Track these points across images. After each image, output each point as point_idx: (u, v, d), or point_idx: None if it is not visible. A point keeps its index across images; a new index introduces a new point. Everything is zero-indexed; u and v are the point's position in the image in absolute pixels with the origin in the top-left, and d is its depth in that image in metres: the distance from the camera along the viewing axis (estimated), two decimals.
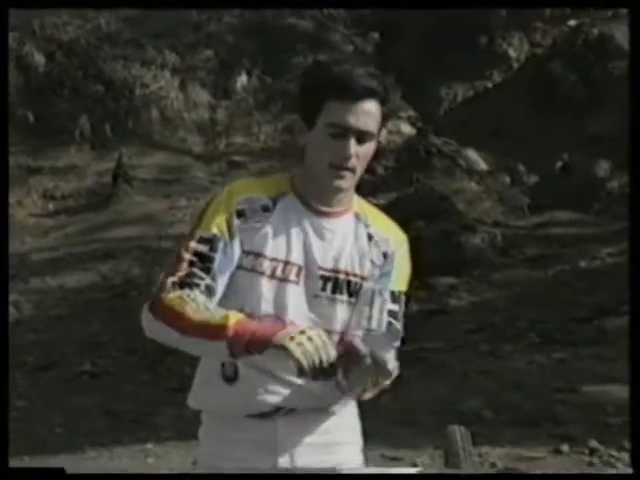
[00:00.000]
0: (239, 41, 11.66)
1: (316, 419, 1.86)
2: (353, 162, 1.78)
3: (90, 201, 10.28)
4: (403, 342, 1.90)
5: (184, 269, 1.76)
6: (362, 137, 1.78)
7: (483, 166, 10.11)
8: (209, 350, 1.74)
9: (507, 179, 10.00)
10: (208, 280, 1.76)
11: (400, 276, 1.89)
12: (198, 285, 1.75)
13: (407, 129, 11.06)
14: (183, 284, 1.75)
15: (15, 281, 8.57)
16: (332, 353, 1.68)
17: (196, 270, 1.76)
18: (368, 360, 1.68)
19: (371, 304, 1.85)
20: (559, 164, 9.80)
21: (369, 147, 1.80)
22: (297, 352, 1.66)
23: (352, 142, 1.77)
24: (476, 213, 9.23)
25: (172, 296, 1.74)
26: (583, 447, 4.65)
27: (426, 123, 10.77)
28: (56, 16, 11.85)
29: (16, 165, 10.64)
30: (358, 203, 1.89)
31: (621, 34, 9.55)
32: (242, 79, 11.39)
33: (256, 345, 1.70)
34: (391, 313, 1.86)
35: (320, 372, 1.67)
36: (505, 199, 9.72)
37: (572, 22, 11.02)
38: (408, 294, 1.90)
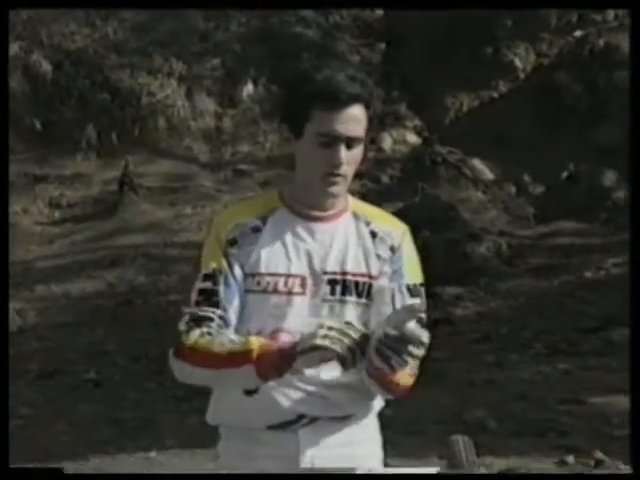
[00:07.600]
0: (245, 50, 11.69)
1: (338, 430, 1.84)
2: (345, 168, 1.82)
3: (96, 209, 10.29)
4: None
5: (195, 308, 1.83)
6: (351, 143, 1.82)
7: (489, 175, 10.10)
8: (239, 378, 1.78)
9: (513, 189, 9.98)
10: (219, 312, 1.82)
11: (412, 268, 1.90)
12: (212, 319, 1.81)
13: (413, 138, 11.06)
14: (198, 322, 1.81)
15: (20, 289, 8.57)
16: (357, 327, 1.72)
17: (205, 307, 1.82)
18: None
19: (392, 304, 1.85)
20: (565, 174, 9.78)
21: (358, 151, 1.84)
22: (326, 343, 1.68)
23: (342, 149, 1.81)
24: (482, 222, 9.21)
25: (193, 337, 1.80)
26: (588, 458, 4.62)
27: (432, 132, 10.77)
28: (64, 25, 11.89)
29: (22, 173, 10.66)
30: (353, 202, 1.92)
31: (626, 44, 9.54)
32: (248, 88, 11.41)
33: (285, 360, 1.73)
34: None
35: (357, 349, 1.70)
36: (511, 209, 9.70)
37: (578, 32, 11.02)
38: (423, 283, 1.90)
